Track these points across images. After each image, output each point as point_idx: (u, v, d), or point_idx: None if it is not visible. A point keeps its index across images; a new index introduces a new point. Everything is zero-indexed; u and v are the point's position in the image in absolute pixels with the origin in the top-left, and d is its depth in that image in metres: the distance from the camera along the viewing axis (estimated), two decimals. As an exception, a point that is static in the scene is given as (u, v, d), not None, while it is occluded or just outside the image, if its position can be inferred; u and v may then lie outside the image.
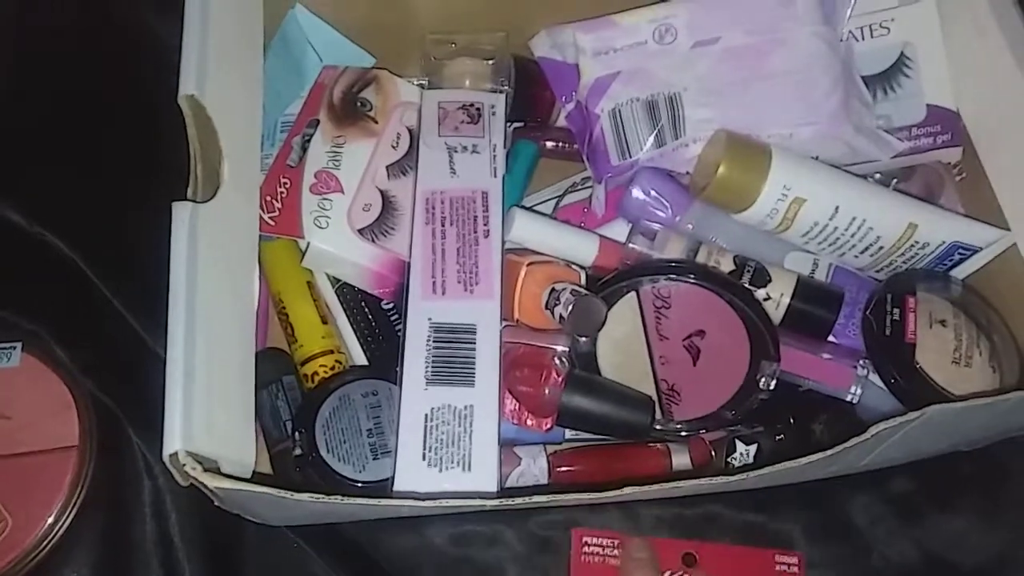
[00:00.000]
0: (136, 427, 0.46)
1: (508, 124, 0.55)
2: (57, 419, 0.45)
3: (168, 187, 0.39)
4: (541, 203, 0.54)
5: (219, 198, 0.39)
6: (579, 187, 0.54)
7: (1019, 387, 0.45)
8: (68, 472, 0.44)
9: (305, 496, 0.32)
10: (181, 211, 0.37)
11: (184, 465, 0.32)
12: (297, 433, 0.44)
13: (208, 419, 0.34)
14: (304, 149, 0.49)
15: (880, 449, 0.40)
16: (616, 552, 0.44)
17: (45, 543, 0.43)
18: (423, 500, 0.34)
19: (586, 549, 0.44)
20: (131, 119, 0.51)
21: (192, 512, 0.45)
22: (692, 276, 0.45)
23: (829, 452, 0.37)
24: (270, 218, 0.47)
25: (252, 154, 0.44)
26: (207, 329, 0.36)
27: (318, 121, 0.50)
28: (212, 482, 0.32)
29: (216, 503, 0.37)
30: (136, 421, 0.46)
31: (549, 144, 0.56)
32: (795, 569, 0.45)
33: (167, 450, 0.33)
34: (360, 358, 0.49)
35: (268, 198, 0.47)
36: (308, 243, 0.47)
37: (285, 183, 0.48)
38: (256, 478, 0.36)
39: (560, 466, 0.46)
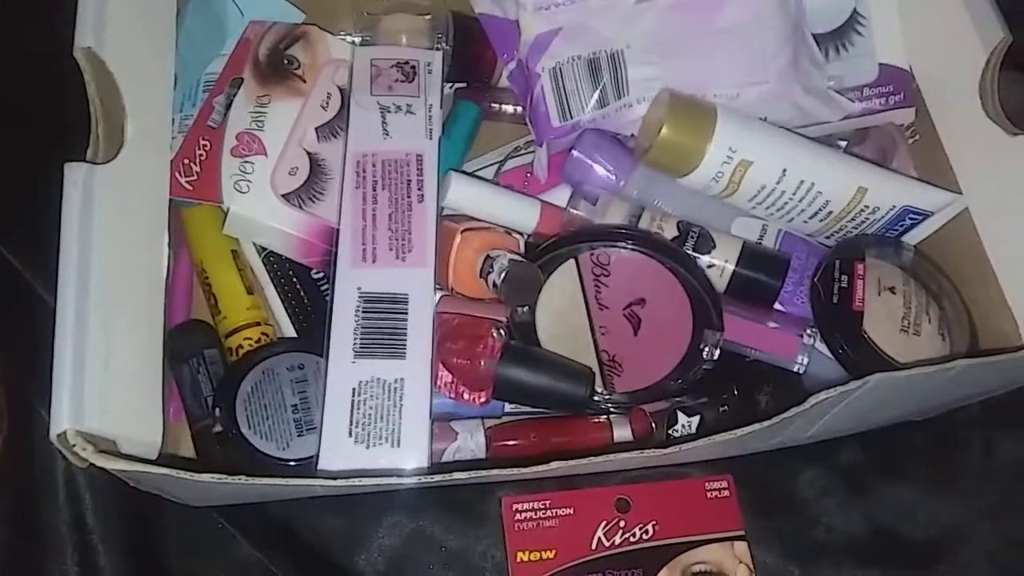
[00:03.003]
0: (46, 404, 0.43)
1: (450, 85, 0.53)
2: (-37, 397, 0.43)
3: (79, 147, 0.36)
4: (483, 168, 0.52)
5: (121, 159, 0.37)
6: (523, 151, 0.52)
7: (967, 355, 0.44)
8: (-26, 453, 0.42)
9: (206, 476, 0.30)
10: (74, 173, 0.34)
11: (74, 445, 0.30)
12: (216, 409, 0.42)
13: (103, 396, 0.32)
14: (226, 109, 0.46)
15: (825, 419, 0.39)
16: (549, 514, 0.43)
17: (-51, 528, 0.41)
18: (334, 479, 0.32)
19: (518, 516, 0.43)
20: (39, 70, 0.48)
21: (108, 493, 0.43)
22: (631, 242, 0.43)
23: (767, 423, 0.36)
24: (187, 182, 0.44)
25: (162, 112, 0.41)
26: (103, 300, 0.33)
27: (242, 80, 0.47)
28: (106, 463, 0.30)
29: (132, 484, 0.35)
30: (46, 397, 0.44)
31: (492, 105, 0.53)
32: (726, 492, 0.45)
33: (54, 429, 0.30)
34: (289, 330, 0.47)
35: (186, 161, 0.44)
36: (228, 209, 0.44)
37: (204, 145, 0.45)
38: (163, 459, 0.34)
39: (499, 441, 0.44)
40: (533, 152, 0.51)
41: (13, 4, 0.50)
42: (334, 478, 0.32)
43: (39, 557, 0.42)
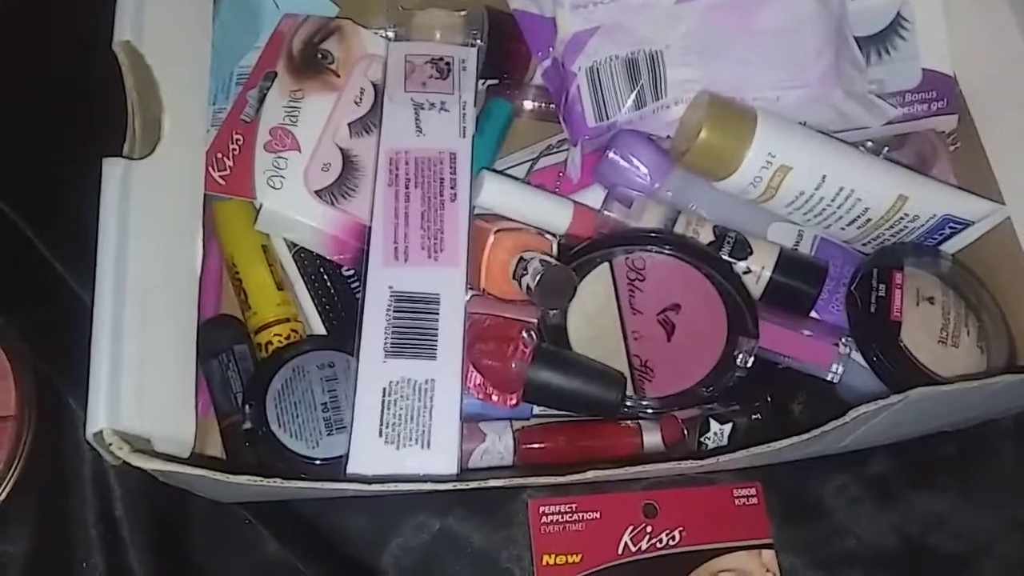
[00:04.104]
0: (77, 397, 0.44)
1: (481, 81, 0.52)
2: (-7, 387, 0.43)
3: (114, 141, 0.36)
4: (515, 166, 0.52)
5: (158, 154, 0.37)
6: (555, 150, 0.52)
7: (1007, 369, 0.43)
8: (4, 444, 0.42)
9: (241, 478, 0.30)
10: (112, 168, 0.34)
11: (110, 444, 0.30)
12: (247, 406, 0.42)
13: (138, 394, 0.32)
14: (260, 103, 0.46)
15: (860, 431, 0.38)
16: (576, 517, 0.43)
17: (-21, 518, 0.41)
18: (370, 483, 0.32)
19: (545, 519, 0.43)
20: (73, 66, 0.48)
21: (137, 487, 0.43)
22: (668, 247, 0.42)
23: (806, 436, 0.35)
24: (220, 177, 0.44)
25: (198, 107, 0.41)
26: (140, 297, 0.33)
27: (275, 74, 0.47)
28: (141, 463, 0.30)
29: (161, 479, 0.35)
30: (77, 390, 0.44)
31: (526, 104, 0.53)
32: (754, 500, 0.44)
33: (91, 428, 0.30)
34: (318, 327, 0.47)
35: (219, 155, 0.44)
36: (260, 205, 0.44)
37: (238, 139, 0.45)
38: (193, 458, 0.34)
39: (527, 443, 0.44)
40: (565, 151, 0.51)
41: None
42: (369, 482, 0.32)
43: (67, 550, 0.42)
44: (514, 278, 0.43)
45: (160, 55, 0.37)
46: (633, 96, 0.45)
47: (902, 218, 0.45)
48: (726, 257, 0.44)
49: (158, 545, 0.43)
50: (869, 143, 0.50)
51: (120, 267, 0.33)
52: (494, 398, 0.42)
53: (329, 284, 0.47)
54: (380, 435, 0.39)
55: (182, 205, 0.39)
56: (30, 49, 0.49)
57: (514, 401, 0.42)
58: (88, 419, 0.31)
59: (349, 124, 0.47)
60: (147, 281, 0.34)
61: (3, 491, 0.41)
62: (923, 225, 0.46)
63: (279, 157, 0.45)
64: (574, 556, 0.43)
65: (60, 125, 0.48)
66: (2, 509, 0.41)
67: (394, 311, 0.41)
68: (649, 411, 0.44)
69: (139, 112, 0.36)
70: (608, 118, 0.46)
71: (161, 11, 0.38)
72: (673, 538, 0.43)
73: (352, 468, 0.38)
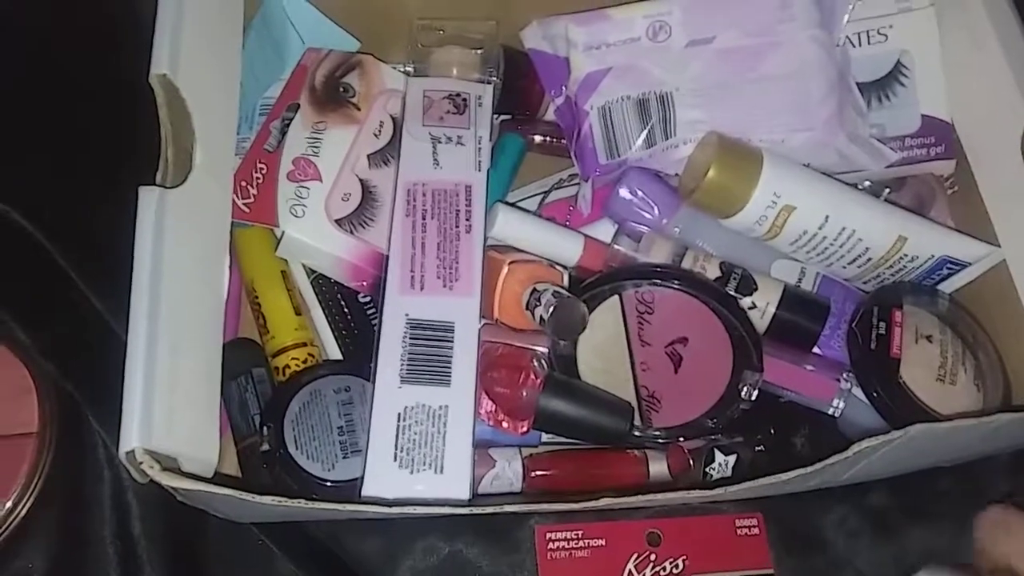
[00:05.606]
0: (98, 416, 0.45)
1: (495, 116, 0.54)
2: (16, 404, 0.44)
3: (143, 170, 0.38)
4: (526, 199, 0.53)
5: (190, 183, 0.38)
6: (566, 184, 0.53)
7: (1003, 407, 0.45)
8: (26, 460, 0.43)
9: (267, 499, 0.31)
10: (148, 196, 0.36)
11: (141, 463, 0.31)
12: (265, 428, 0.43)
13: (169, 415, 0.33)
14: (283, 134, 0.48)
15: (861, 465, 0.39)
16: (582, 544, 0.44)
17: (-1, 533, 0.42)
18: (389, 506, 0.33)
19: (551, 546, 0.44)
20: (106, 97, 0.49)
21: (155, 506, 0.43)
22: (676, 282, 0.44)
23: (810, 469, 0.36)
24: (244, 205, 0.45)
25: (227, 138, 0.43)
26: (171, 321, 0.34)
27: (298, 105, 0.49)
28: (170, 482, 0.31)
29: (179, 499, 0.36)
30: (98, 409, 0.45)
31: (537, 138, 0.54)
32: (756, 531, 0.45)
33: (123, 447, 0.31)
34: (335, 352, 0.48)
35: (243, 184, 0.46)
36: (283, 232, 0.45)
37: (261, 169, 0.46)
38: (218, 478, 0.35)
39: (535, 470, 0.45)
40: (576, 184, 0.52)
41: (87, 29, 0.52)
42: (389, 504, 0.33)
43: (85, 567, 0.42)
44: (527, 309, 0.44)
45: (194, 88, 0.39)
46: (643, 135, 0.47)
47: (902, 258, 0.46)
48: (732, 293, 0.45)
49: (174, 563, 0.43)
50: (868, 183, 0.51)
51: (154, 291, 0.34)
52: (505, 425, 0.43)
53: (346, 310, 0.48)
54: (395, 459, 0.39)
55: (212, 232, 0.40)
56: (68, 81, 0.51)
57: (524, 428, 0.43)
58: (121, 438, 0.32)
59: (369, 156, 0.48)
60: (178, 305, 0.35)
61: (24, 506, 0.42)
62: (922, 265, 0.47)
63: (301, 186, 0.46)
64: (579, 583, 0.43)
65: (89, 158, 0.49)
66: (22, 524, 0.42)
67: (410, 338, 0.42)
68: (656, 441, 0.45)
69: (172, 142, 0.38)
70: (619, 155, 0.48)
71: (196, 46, 0.40)
72: (676, 567, 0.44)
73: (367, 491, 0.39)
